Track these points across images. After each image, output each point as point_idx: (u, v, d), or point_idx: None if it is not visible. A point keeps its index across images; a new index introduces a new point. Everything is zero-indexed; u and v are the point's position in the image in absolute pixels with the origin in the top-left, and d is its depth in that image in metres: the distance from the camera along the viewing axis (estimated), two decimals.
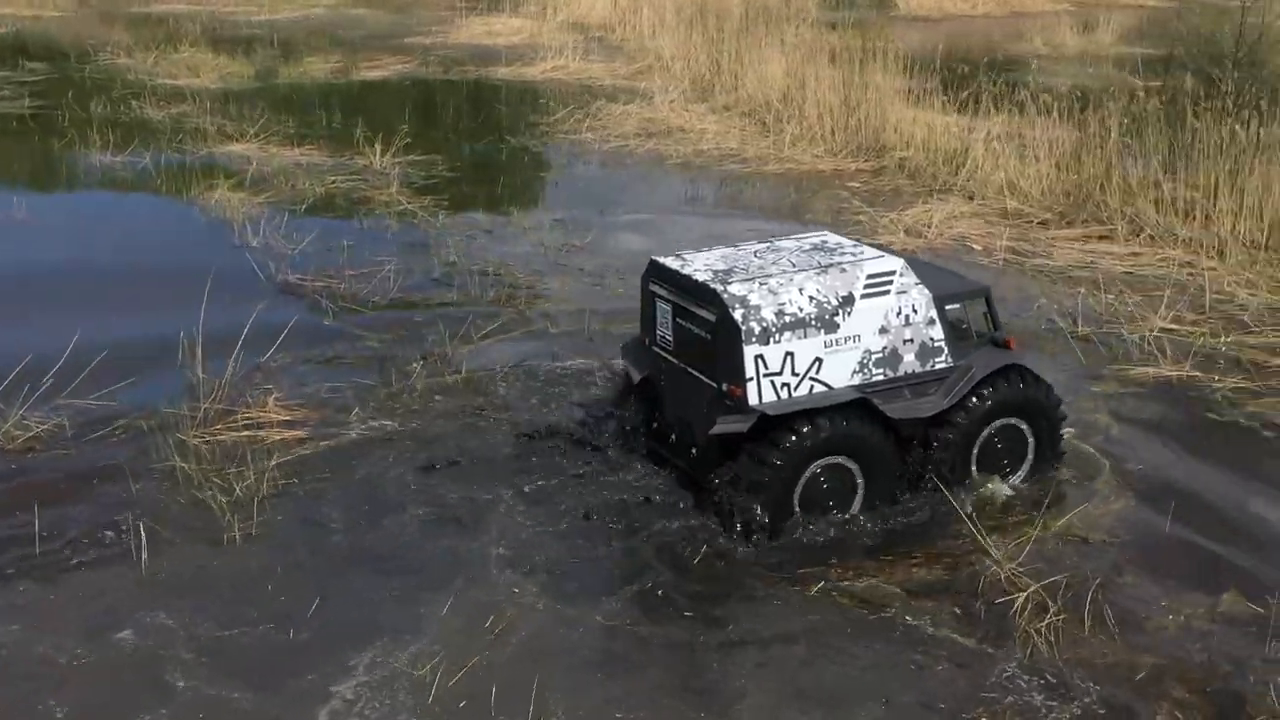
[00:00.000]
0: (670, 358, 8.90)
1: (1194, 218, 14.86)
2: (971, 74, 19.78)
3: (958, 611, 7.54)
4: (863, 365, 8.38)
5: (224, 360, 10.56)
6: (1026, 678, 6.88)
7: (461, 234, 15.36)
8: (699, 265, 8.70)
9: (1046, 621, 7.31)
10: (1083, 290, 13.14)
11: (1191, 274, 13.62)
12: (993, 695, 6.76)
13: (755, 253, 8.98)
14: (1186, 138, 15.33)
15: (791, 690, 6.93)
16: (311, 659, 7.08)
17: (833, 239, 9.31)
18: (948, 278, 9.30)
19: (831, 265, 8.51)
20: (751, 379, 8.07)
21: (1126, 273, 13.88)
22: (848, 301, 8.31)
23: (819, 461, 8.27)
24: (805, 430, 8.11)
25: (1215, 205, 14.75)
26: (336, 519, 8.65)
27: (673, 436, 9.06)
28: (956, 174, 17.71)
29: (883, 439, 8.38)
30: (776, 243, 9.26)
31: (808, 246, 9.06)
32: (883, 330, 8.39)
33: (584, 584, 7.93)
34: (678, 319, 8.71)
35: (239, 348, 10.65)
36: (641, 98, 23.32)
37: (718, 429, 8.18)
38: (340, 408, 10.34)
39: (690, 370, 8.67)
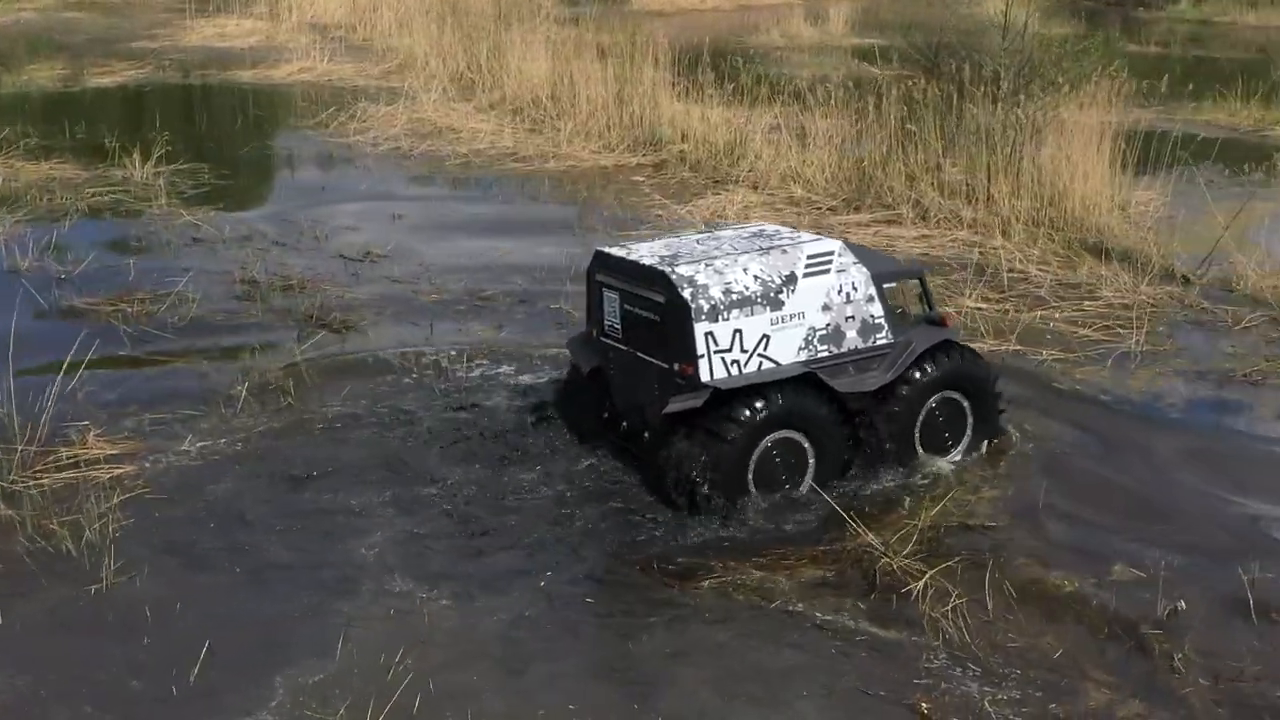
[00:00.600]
0: (619, 345, 8.99)
1: (976, 199, 15.54)
2: (728, 67, 20.14)
3: (861, 605, 7.54)
4: (808, 342, 8.60)
5: (26, 396, 9.67)
6: (957, 669, 6.93)
7: (251, 246, 14.58)
8: (644, 252, 8.90)
9: (950, 606, 7.40)
10: None
11: (983, 253, 14.21)
12: (927, 682, 6.82)
13: (697, 240, 9.22)
14: (966, 123, 16.00)
15: (722, 673, 6.92)
16: (216, 705, 6.53)
17: (770, 227, 9.52)
18: (883, 259, 9.66)
19: (773, 247, 8.76)
20: (703, 356, 8.24)
21: (922, 254, 14.39)
22: (791, 280, 8.54)
23: (770, 436, 8.42)
24: (758, 404, 8.30)
25: (994, 186, 15.47)
26: (205, 548, 8.06)
27: (624, 424, 9.13)
28: (737, 165, 18.02)
29: (830, 413, 8.57)
30: (716, 231, 9.50)
31: (746, 234, 9.26)
32: (825, 308, 8.65)
33: (482, 583, 7.72)
34: (625, 305, 8.83)
35: (47, 384, 9.74)
36: (405, 98, 22.73)
37: (672, 407, 8.29)
38: (170, 435, 9.64)
39: (640, 355, 8.77)
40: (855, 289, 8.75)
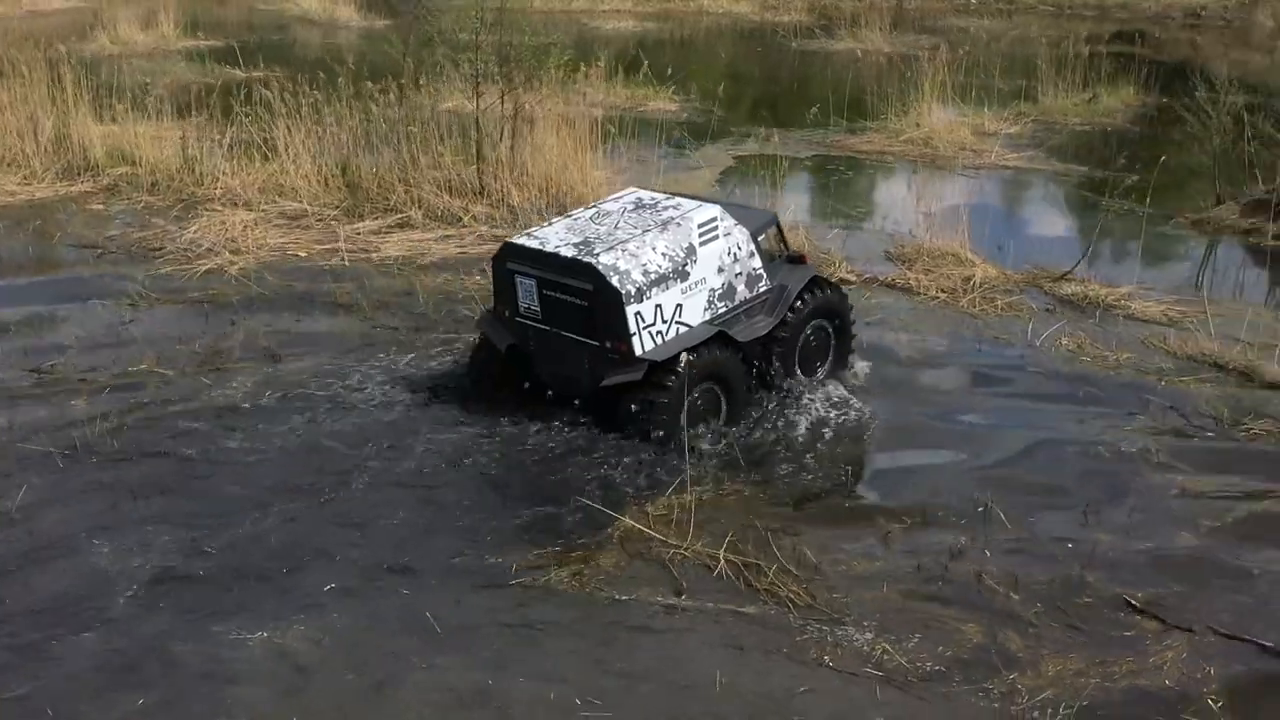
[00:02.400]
0: (538, 325, 9.71)
1: (484, 195, 15.99)
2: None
3: (688, 590, 7.94)
4: (710, 302, 9.78)
5: None
6: (830, 626, 7.58)
7: None
8: (556, 242, 9.60)
9: (771, 578, 8.01)
10: (446, 275, 13.71)
11: None
12: (813, 638, 7.47)
13: (591, 219, 10.06)
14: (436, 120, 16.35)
15: (621, 656, 7.28)
16: None
17: (645, 195, 10.53)
18: (748, 214, 10.58)
19: (669, 222, 9.75)
20: (634, 334, 9.21)
21: (461, 254, 14.61)
22: (691, 251, 9.64)
23: (696, 389, 9.56)
24: (683, 368, 9.39)
25: (496, 181, 16.01)
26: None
27: (549, 393, 9.92)
28: (203, 183, 17.02)
29: (735, 360, 9.74)
30: (601, 206, 10.38)
31: (631, 206, 10.22)
32: (720, 270, 9.82)
33: (289, 609, 7.59)
34: (544, 291, 9.54)
35: None
36: None
37: (613, 380, 9.30)
38: None
39: (565, 334, 9.57)
40: (740, 248, 9.95)
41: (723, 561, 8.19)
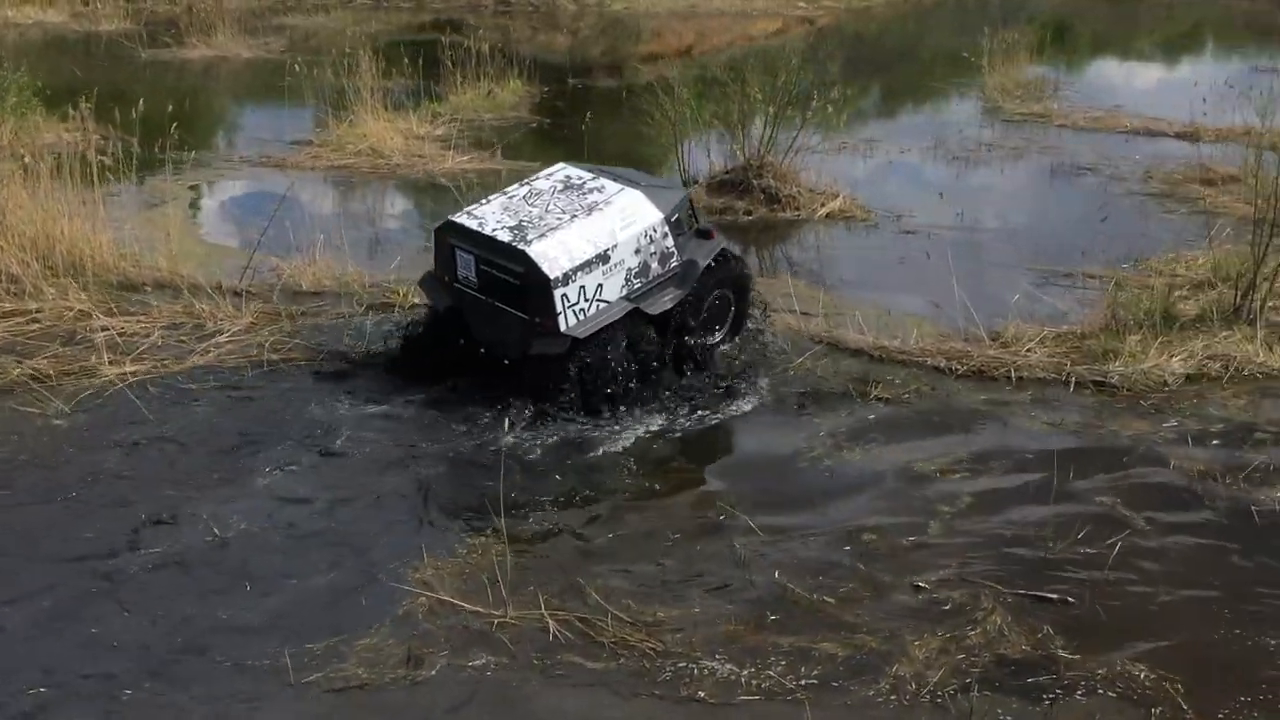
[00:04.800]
0: (476, 294, 10.99)
1: None
2: None
3: (545, 659, 7.85)
4: (627, 280, 11.08)
5: None
6: (682, 653, 7.87)
7: None
8: (493, 224, 10.84)
9: (611, 629, 8.08)
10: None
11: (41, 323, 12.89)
12: (673, 675, 7.72)
13: (525, 198, 11.25)
14: None
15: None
16: None
17: (574, 173, 11.69)
18: (663, 193, 11.68)
19: (595, 208, 11.05)
20: (560, 313, 10.50)
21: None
22: (613, 236, 10.89)
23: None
24: (601, 341, 10.79)
25: None
26: None
27: (482, 351, 11.05)
28: None
29: (646, 330, 11.19)
30: (533, 185, 11.53)
31: (561, 186, 11.46)
32: (637, 251, 11.11)
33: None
34: (482, 266, 10.86)
35: None
36: None
37: (539, 351, 10.64)
38: None
39: (499, 305, 10.83)
40: (655, 230, 11.19)
41: (551, 623, 8.02)
